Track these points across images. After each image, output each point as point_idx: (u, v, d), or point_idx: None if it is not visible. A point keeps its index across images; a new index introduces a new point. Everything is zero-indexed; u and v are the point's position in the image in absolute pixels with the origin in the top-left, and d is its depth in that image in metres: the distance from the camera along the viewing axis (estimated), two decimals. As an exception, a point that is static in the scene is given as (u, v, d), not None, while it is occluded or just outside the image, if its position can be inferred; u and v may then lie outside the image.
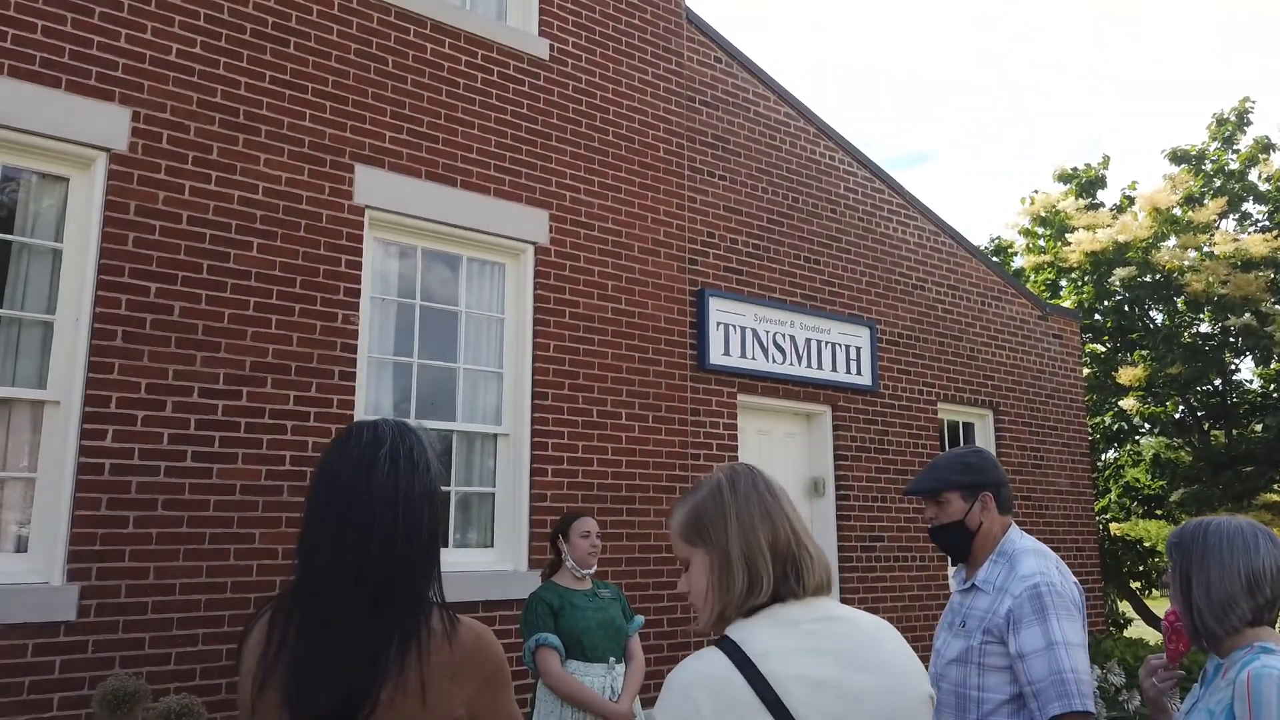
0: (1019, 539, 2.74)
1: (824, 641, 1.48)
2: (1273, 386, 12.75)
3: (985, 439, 9.08)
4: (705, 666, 1.44)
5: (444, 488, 1.70)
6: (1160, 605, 14.42)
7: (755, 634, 1.47)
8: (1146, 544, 15.22)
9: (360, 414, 5.05)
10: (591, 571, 4.00)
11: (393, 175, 5.32)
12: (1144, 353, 12.13)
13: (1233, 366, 12.09)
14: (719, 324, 6.77)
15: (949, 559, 3.04)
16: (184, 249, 4.54)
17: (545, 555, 5.59)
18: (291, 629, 1.52)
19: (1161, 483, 13.88)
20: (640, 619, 4.16)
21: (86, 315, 4.27)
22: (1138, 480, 14.23)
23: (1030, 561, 2.64)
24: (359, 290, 5.10)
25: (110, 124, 4.39)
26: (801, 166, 7.71)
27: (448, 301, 5.67)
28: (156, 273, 4.44)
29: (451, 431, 5.56)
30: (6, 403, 4.17)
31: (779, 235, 7.40)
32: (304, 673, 1.48)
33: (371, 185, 5.21)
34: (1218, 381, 12.39)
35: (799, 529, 1.58)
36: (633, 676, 3.98)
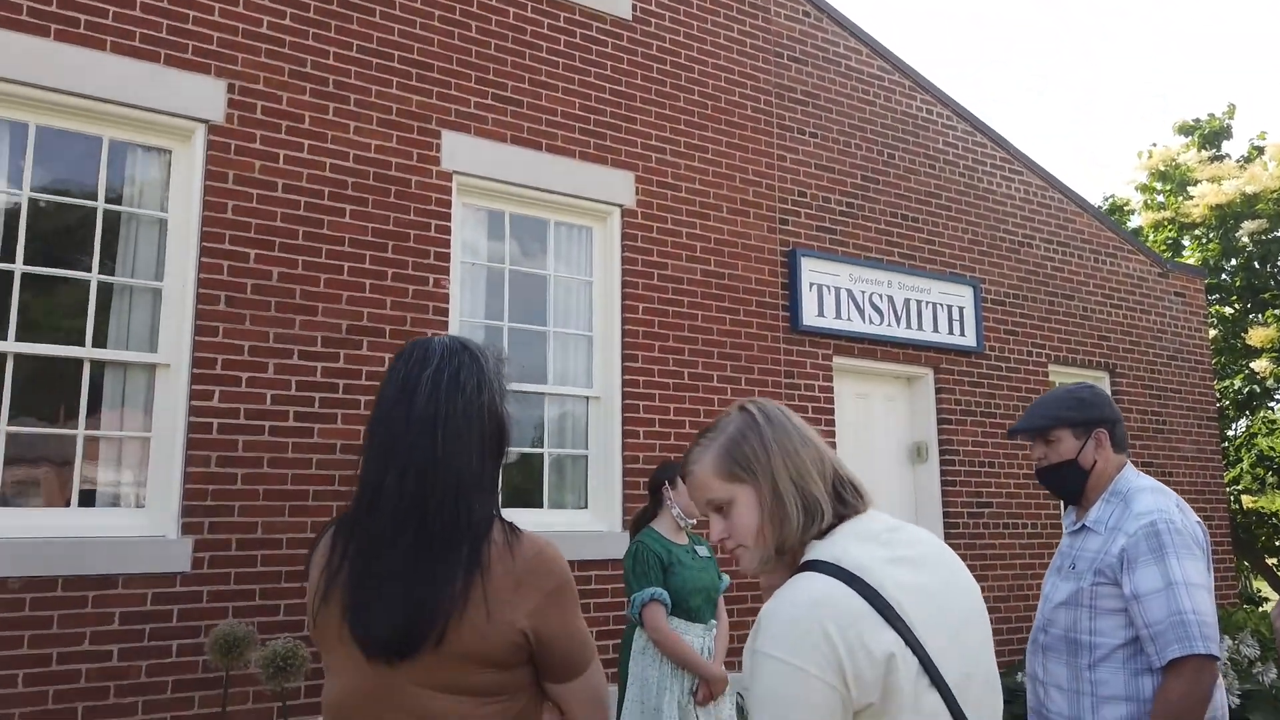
0: (1135, 478, 2.56)
1: (900, 549, 1.45)
2: None
3: (1101, 403, 8.63)
4: (818, 588, 1.37)
5: (508, 406, 1.64)
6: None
7: (845, 550, 1.42)
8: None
9: (453, 376, 5.12)
10: (694, 522, 3.92)
11: (479, 140, 5.36)
12: (1277, 312, 11.32)
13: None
14: (812, 285, 6.61)
15: (1061, 505, 2.86)
16: (280, 216, 4.68)
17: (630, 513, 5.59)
18: (351, 545, 1.52)
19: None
20: (728, 579, 4.11)
21: (191, 281, 4.45)
22: (1273, 449, 13.31)
23: (1147, 499, 2.46)
24: (449, 255, 5.17)
25: (208, 96, 4.55)
26: (897, 121, 7.45)
27: (536, 266, 5.70)
28: (255, 239, 4.60)
29: (543, 395, 5.60)
30: (122, 366, 4.39)
31: (874, 193, 7.17)
32: (361, 589, 1.48)
33: (458, 151, 5.27)
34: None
35: (829, 449, 1.56)
36: (722, 638, 3.93)
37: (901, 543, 1.46)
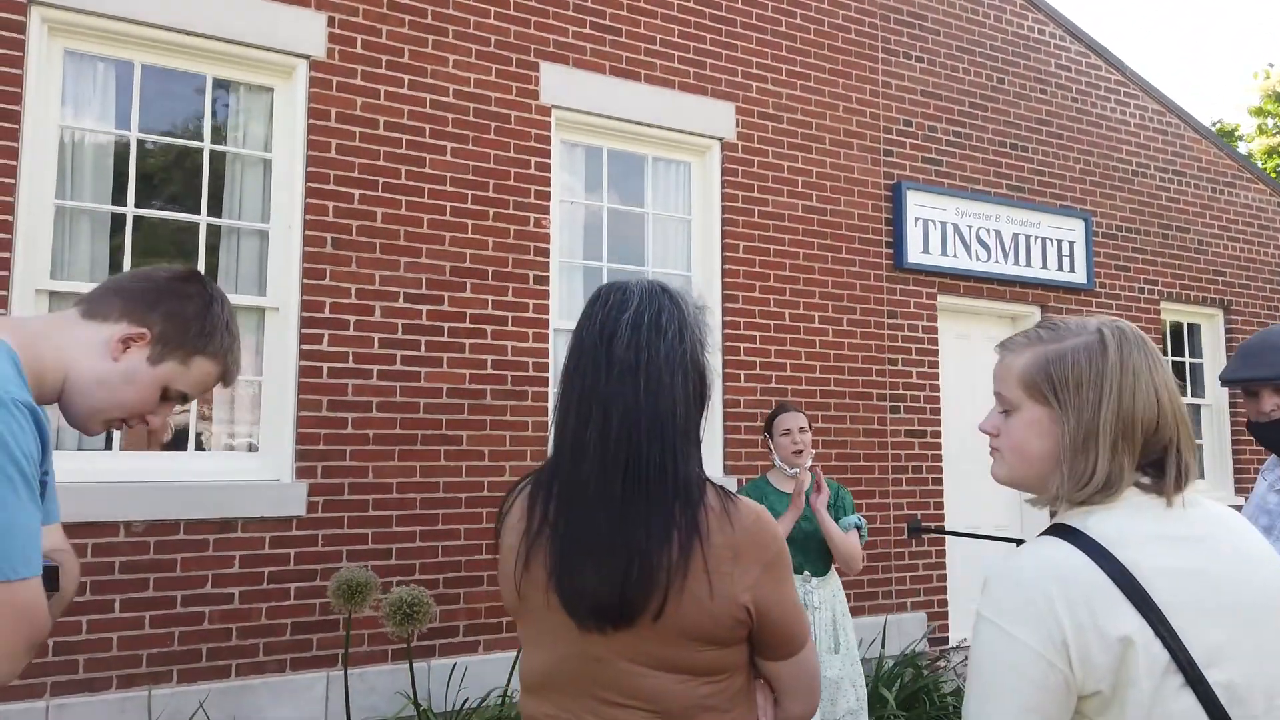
0: None
1: (1177, 526, 1.26)
2: None
3: (1214, 342, 8.22)
4: (1053, 555, 1.23)
5: (708, 356, 1.49)
6: None
7: (1103, 520, 1.25)
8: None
9: (554, 320, 5.01)
10: (798, 470, 3.74)
11: (577, 72, 5.15)
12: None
13: None
14: (917, 219, 6.31)
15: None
16: (383, 155, 4.56)
17: (739, 460, 5.48)
18: (552, 505, 1.40)
19: None
20: (854, 519, 3.79)
21: (298, 223, 4.38)
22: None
23: None
24: (549, 193, 5.01)
25: (308, 30, 4.42)
26: (1007, 43, 7.01)
27: (634, 203, 5.52)
28: (359, 179, 4.49)
29: (643, 336, 5.46)
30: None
31: (982, 121, 6.78)
32: (570, 552, 1.37)
33: (556, 84, 5.07)
34: None
35: (1181, 408, 1.31)
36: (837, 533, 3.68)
37: (1183, 519, 1.27)
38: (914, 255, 6.25)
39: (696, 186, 5.68)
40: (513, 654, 4.62)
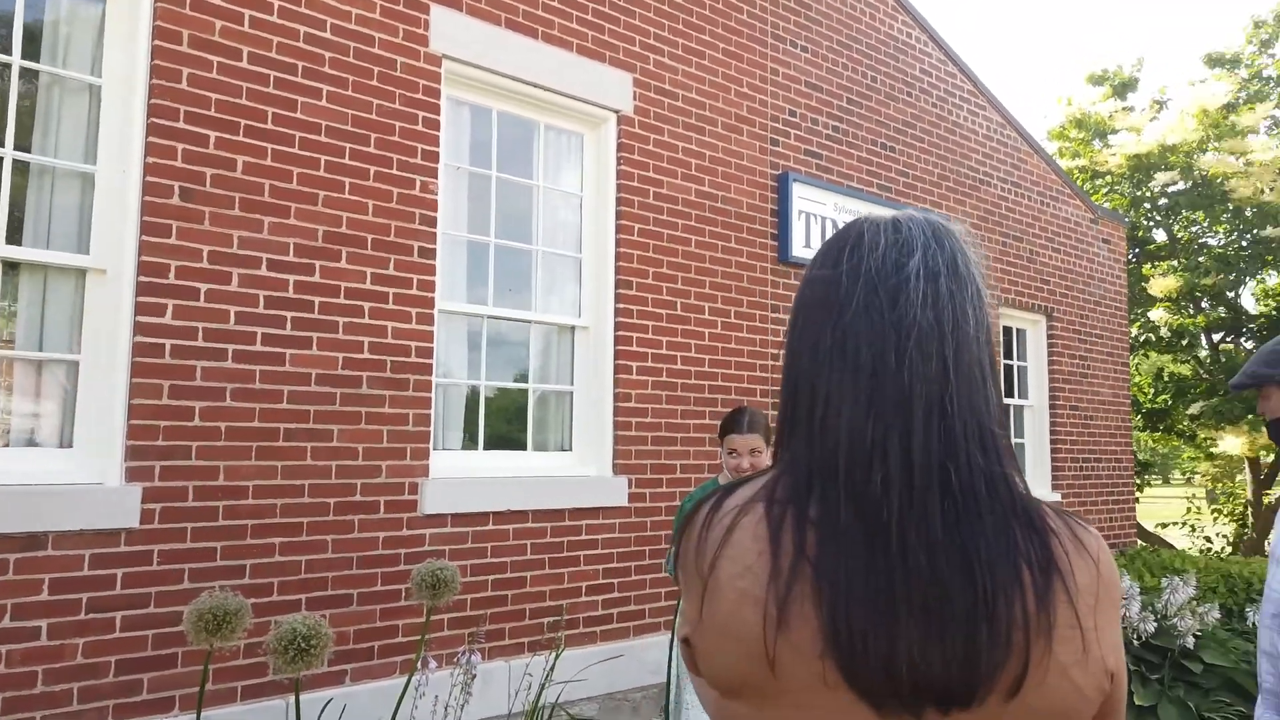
0: None
1: None
2: (1273, 306, 12.58)
3: (1038, 346, 8.71)
4: None
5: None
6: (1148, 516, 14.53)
7: None
8: (1140, 457, 15.28)
9: (440, 300, 4.41)
10: None
11: (471, 20, 4.56)
12: (1173, 263, 11.81)
13: (1262, 280, 11.86)
14: (800, 213, 6.17)
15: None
16: (246, 92, 3.79)
17: (629, 459, 5.10)
18: (811, 535, 0.93)
19: (1165, 397, 13.78)
20: None
21: (136, 166, 3.54)
22: (1141, 392, 14.13)
23: None
24: (437, 154, 4.40)
25: (157, -71, 3.58)
26: (880, 42, 7.02)
27: (521, 174, 4.98)
28: (215, 119, 3.70)
29: (528, 323, 4.95)
30: (41, 270, 3.46)
31: (858, 118, 6.75)
32: (862, 603, 0.89)
33: (448, 30, 4.46)
34: (1230, 295, 12.19)
35: None
36: None
37: None
38: (797, 249, 6.09)
39: (590, 160, 5.22)
40: (385, 684, 4.00)
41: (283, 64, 3.89)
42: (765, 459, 3.41)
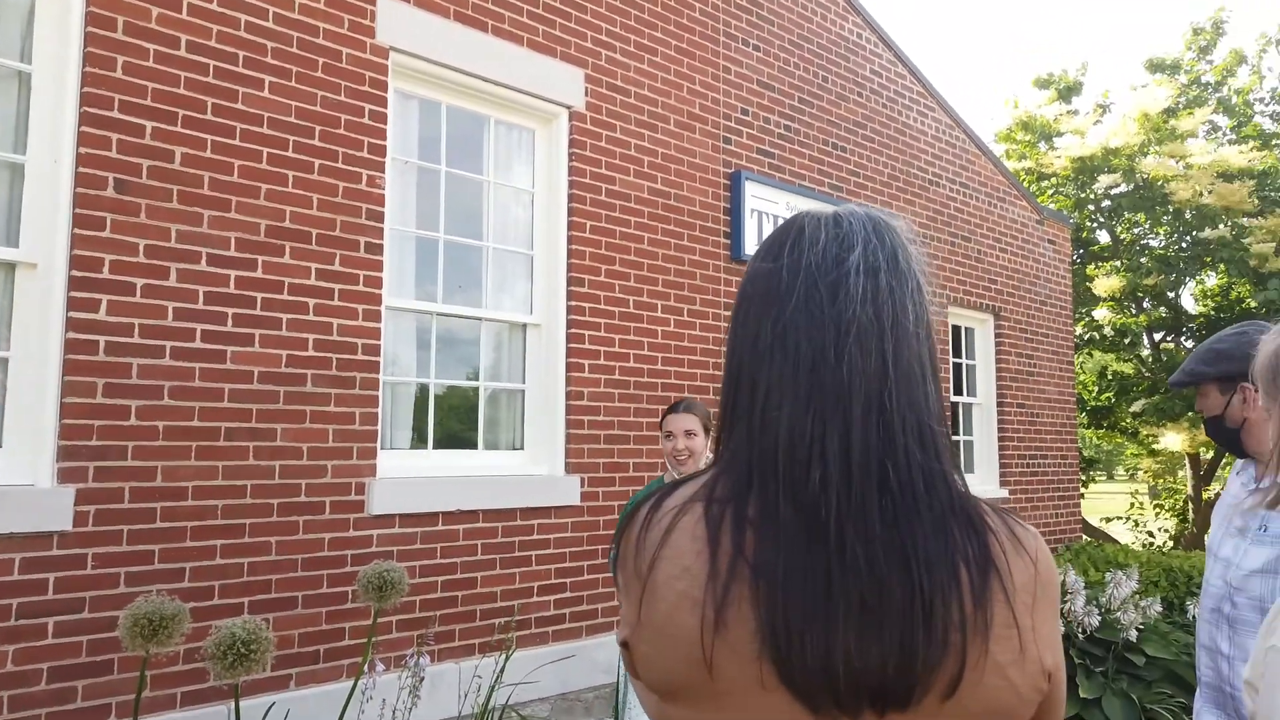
0: None
1: None
2: (1212, 306, 12.94)
3: (986, 344, 8.84)
4: None
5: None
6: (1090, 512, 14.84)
7: None
8: (1085, 454, 15.61)
9: (387, 296, 4.33)
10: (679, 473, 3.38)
11: (418, 12, 4.49)
12: (1116, 264, 12.07)
13: (1201, 281, 12.21)
14: (753, 211, 6.18)
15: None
16: (184, 81, 3.68)
17: (581, 458, 5.06)
18: (749, 534, 0.91)
19: (1108, 395, 14.09)
20: None
21: (68, 157, 3.42)
22: (1086, 390, 14.43)
23: None
24: (384, 148, 4.32)
25: (90, -88, 3.46)
26: (831, 43, 7.07)
27: (470, 169, 4.92)
28: (152, 109, 3.59)
29: (479, 320, 4.89)
30: (-33, 264, 3.33)
31: (809, 117, 6.79)
32: (799, 603, 0.87)
33: (395, 22, 4.38)
34: (1171, 294, 12.52)
35: None
36: None
37: None
38: (749, 247, 6.10)
39: (541, 156, 5.18)
40: (331, 688, 3.92)
41: (223, 53, 3.79)
42: (700, 443, 3.41)
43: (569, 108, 5.15)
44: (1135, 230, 12.22)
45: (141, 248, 3.53)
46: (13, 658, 3.20)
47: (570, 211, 5.12)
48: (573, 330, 5.06)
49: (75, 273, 3.39)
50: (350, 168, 4.17)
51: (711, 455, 3.22)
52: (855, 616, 0.86)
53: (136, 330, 3.51)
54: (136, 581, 3.46)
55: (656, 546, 0.94)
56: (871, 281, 0.96)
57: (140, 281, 3.52)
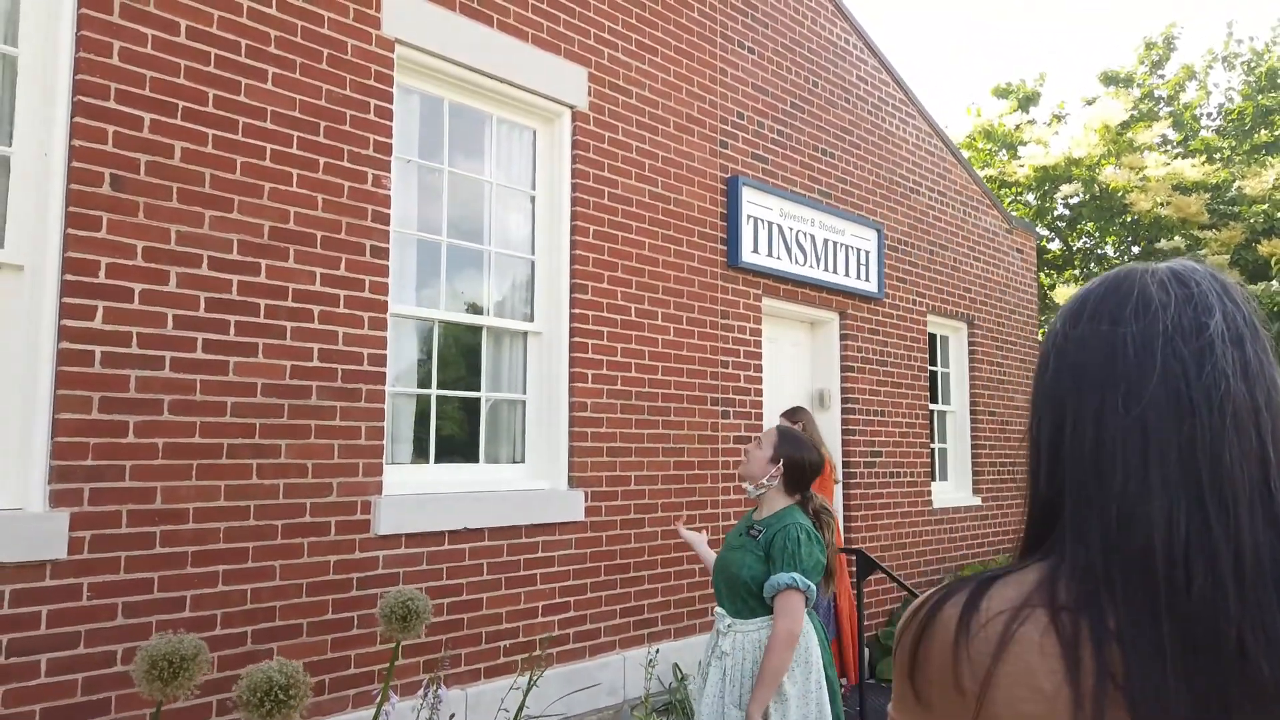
0: None
1: None
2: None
3: (959, 353, 8.87)
4: None
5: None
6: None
7: None
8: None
9: (394, 303, 4.09)
10: (752, 488, 3.16)
11: (425, 4, 4.26)
12: (1073, 272, 12.30)
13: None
14: (749, 217, 6.06)
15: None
16: (184, 71, 3.41)
17: (585, 472, 4.88)
18: (1114, 650, 0.77)
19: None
20: (787, 577, 2.83)
21: (60, 149, 3.13)
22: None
23: None
24: (390, 146, 4.09)
25: (87, -117, 3.17)
26: (821, 48, 7.00)
27: (474, 170, 4.71)
28: (150, 100, 3.32)
29: (480, 327, 4.68)
30: (-54, 266, 3.01)
31: (800, 122, 6.70)
32: None
33: (401, 12, 4.15)
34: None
35: None
36: (762, 672, 2.80)
37: None
38: (746, 254, 5.99)
39: (543, 157, 4.98)
40: (339, 720, 3.67)
41: (224, 41, 3.53)
42: (759, 462, 3.16)
43: (572, 107, 4.96)
44: (1084, 241, 12.47)
45: (140, 250, 3.25)
46: (2, 699, 2.90)
47: (573, 215, 4.94)
48: (575, 339, 4.88)
49: (69, 276, 3.10)
50: (355, 166, 3.93)
51: (768, 484, 3.04)
52: None
53: (135, 339, 3.23)
54: (135, 612, 3.18)
55: (992, 660, 0.80)
56: (1239, 352, 0.83)
57: (139, 286, 3.24)
